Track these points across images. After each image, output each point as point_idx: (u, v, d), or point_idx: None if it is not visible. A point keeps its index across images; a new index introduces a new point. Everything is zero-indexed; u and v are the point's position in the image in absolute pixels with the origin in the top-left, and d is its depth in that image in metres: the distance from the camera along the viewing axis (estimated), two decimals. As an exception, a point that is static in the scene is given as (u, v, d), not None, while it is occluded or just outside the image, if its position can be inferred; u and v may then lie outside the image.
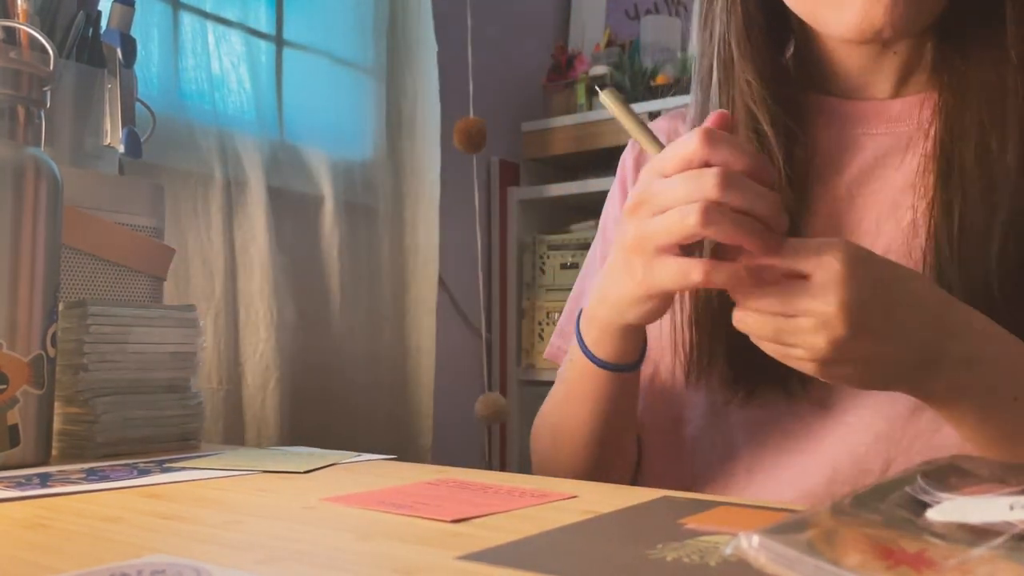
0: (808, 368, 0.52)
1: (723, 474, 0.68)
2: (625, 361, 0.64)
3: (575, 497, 0.50)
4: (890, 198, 0.65)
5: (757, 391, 0.65)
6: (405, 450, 1.46)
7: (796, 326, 0.50)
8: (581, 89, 1.94)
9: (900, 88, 0.67)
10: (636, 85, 1.87)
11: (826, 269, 0.49)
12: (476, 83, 1.73)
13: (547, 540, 0.40)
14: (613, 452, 0.70)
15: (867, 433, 0.62)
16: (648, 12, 2.10)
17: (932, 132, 0.64)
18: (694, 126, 0.70)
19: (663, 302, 0.57)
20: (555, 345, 0.82)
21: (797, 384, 0.63)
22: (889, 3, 0.58)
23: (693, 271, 0.51)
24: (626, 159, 0.81)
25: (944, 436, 0.60)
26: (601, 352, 0.63)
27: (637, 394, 0.70)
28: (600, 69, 1.93)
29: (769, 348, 0.53)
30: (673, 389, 0.72)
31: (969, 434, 0.56)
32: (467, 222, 1.76)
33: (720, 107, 0.68)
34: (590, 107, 1.92)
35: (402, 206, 1.54)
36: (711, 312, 0.65)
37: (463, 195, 1.74)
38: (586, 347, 0.64)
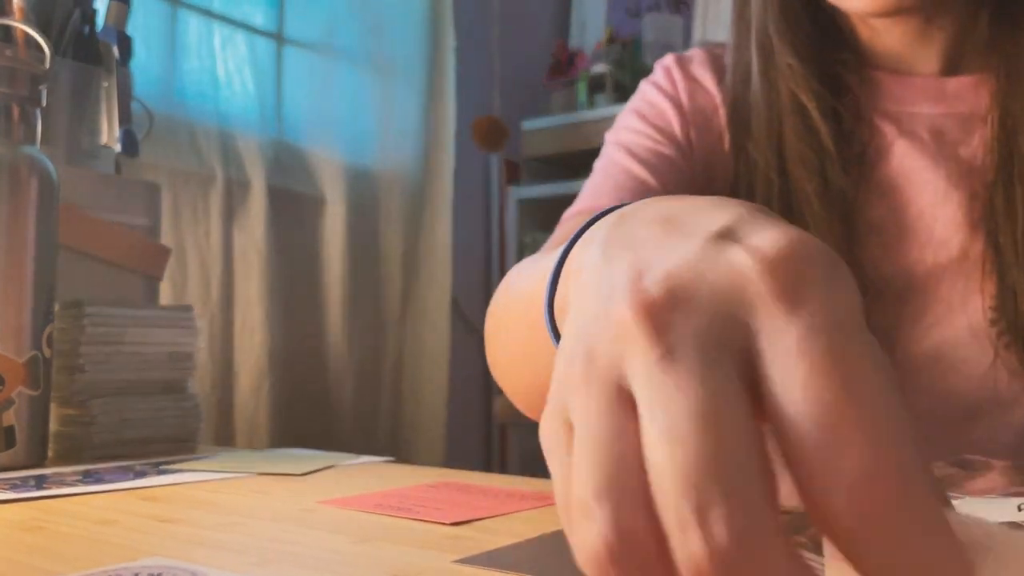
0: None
1: None
2: None
3: (576, 499, 0.50)
4: (946, 182, 0.62)
5: None
6: (407, 459, 1.46)
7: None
8: (582, 87, 1.94)
9: (953, 66, 0.64)
10: (637, 83, 1.86)
11: None
12: (476, 82, 1.73)
13: (546, 543, 0.40)
14: None
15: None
16: (650, 10, 2.10)
17: (990, 119, 0.61)
18: (729, 120, 0.67)
19: None
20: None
21: None
22: None
23: None
24: (647, 90, 0.75)
25: (1001, 446, 0.58)
26: None
27: None
28: (601, 67, 1.92)
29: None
30: None
31: None
32: (467, 222, 1.76)
33: (763, 94, 0.64)
34: (591, 105, 1.92)
35: (420, 208, 1.53)
36: None
37: (462, 195, 1.74)
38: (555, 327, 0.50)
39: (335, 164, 1.38)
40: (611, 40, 2.03)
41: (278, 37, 1.37)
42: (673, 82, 0.71)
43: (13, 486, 0.54)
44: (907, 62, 0.65)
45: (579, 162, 2.04)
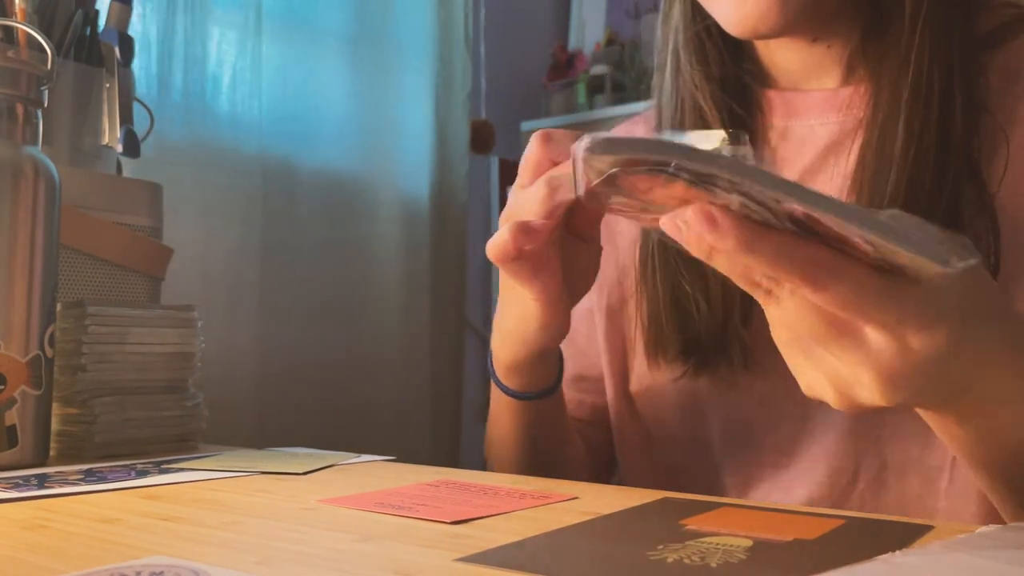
0: (866, 396, 0.40)
1: (704, 481, 0.68)
2: (540, 388, 0.65)
3: (576, 498, 0.50)
4: (837, 188, 0.64)
5: (707, 363, 0.65)
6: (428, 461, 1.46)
7: (855, 342, 0.39)
8: (581, 88, 1.94)
9: (848, 76, 0.66)
10: (637, 84, 1.87)
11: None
12: (476, 82, 1.73)
13: (547, 541, 0.40)
14: (548, 465, 0.70)
15: (835, 431, 0.62)
16: (649, 11, 2.10)
17: (867, 121, 0.63)
18: (656, 121, 0.71)
19: (548, 322, 0.57)
20: None
21: (738, 353, 0.64)
22: (754, 2, 0.59)
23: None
24: None
25: (914, 423, 0.60)
26: (514, 384, 0.65)
27: (562, 412, 0.71)
28: (600, 68, 1.92)
29: (798, 359, 0.42)
30: (645, 396, 0.72)
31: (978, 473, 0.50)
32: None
33: (671, 96, 0.69)
34: (591, 107, 1.92)
35: (442, 212, 1.51)
36: (659, 278, 0.66)
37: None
38: (498, 379, 0.65)
39: (343, 167, 1.36)
40: (610, 41, 2.03)
41: (291, 38, 1.33)
42: None
43: (15, 485, 0.54)
44: (805, 80, 0.68)
45: (578, 163, 2.03)
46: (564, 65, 2.04)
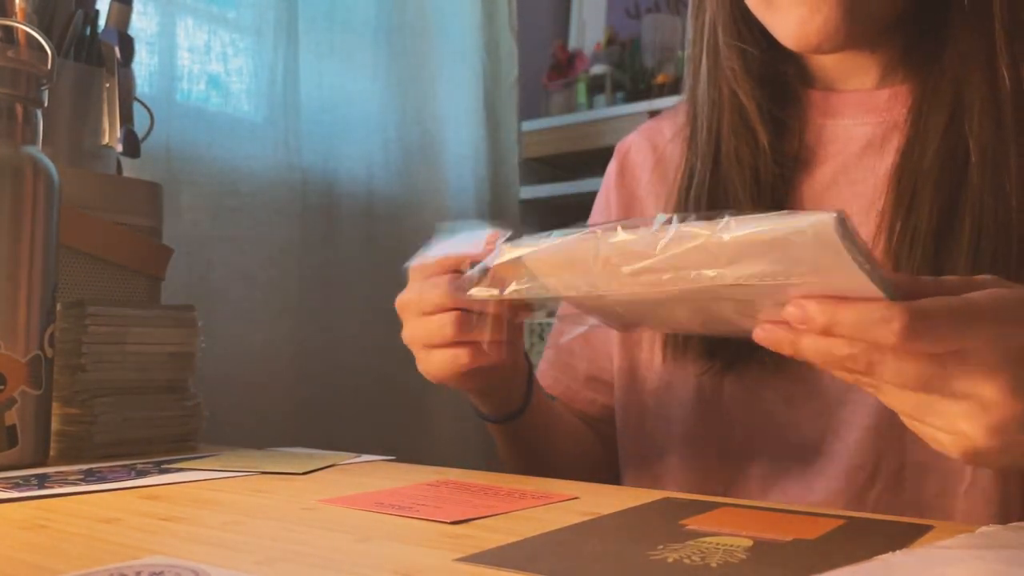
0: (953, 454, 0.42)
1: (721, 476, 0.68)
2: (507, 412, 0.67)
3: (576, 498, 0.50)
4: (871, 191, 0.64)
5: (734, 364, 0.65)
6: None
7: (936, 407, 0.40)
8: (581, 88, 1.94)
9: (886, 78, 0.66)
10: (637, 84, 1.87)
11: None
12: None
13: (548, 541, 0.40)
14: (554, 465, 0.71)
15: (858, 430, 0.62)
16: (649, 10, 2.10)
17: (905, 126, 0.63)
18: (688, 117, 0.71)
19: (473, 379, 0.60)
20: (542, 370, 0.82)
21: (769, 356, 0.62)
22: (822, 20, 0.58)
23: (460, 357, 0.56)
24: (611, 169, 0.81)
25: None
26: (484, 410, 0.67)
27: (549, 421, 0.72)
28: (601, 68, 1.92)
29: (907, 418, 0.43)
30: (661, 392, 0.72)
31: None
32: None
33: (708, 93, 0.68)
34: (590, 106, 1.92)
35: (442, 209, 1.50)
36: None
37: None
38: (472, 405, 0.68)
39: (362, 165, 1.35)
40: (611, 41, 2.03)
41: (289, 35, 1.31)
42: (607, 189, 0.82)
43: (15, 485, 0.54)
44: (841, 80, 0.68)
45: (579, 163, 2.04)
46: (564, 65, 2.04)
